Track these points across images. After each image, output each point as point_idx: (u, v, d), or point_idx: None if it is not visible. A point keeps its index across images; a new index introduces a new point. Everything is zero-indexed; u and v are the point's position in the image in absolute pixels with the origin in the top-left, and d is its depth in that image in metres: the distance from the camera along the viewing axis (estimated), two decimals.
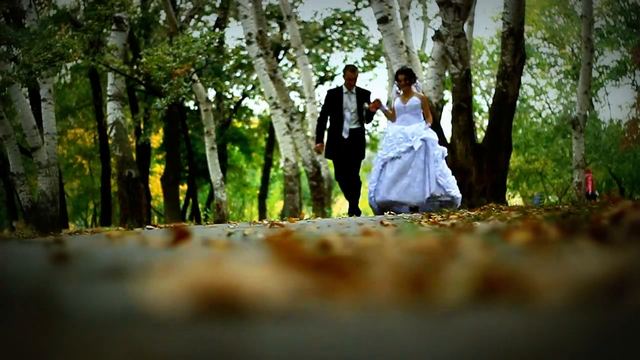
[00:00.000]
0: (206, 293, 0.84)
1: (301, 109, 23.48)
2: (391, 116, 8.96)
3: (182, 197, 26.19)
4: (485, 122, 26.04)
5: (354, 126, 8.91)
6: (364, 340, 0.68)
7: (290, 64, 25.12)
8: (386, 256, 1.18)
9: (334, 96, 9.01)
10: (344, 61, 24.87)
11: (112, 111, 15.24)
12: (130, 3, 14.82)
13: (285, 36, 23.34)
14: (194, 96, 17.74)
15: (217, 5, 24.46)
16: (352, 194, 9.02)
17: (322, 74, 25.67)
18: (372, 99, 8.89)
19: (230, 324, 0.77)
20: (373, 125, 26.26)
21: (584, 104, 16.20)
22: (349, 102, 8.92)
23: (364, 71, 25.37)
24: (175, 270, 0.97)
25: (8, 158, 13.02)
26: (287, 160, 16.12)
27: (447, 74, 12.63)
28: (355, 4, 24.12)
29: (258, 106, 49.60)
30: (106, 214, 22.31)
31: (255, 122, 29.57)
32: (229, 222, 9.68)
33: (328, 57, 25.64)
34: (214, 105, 22.27)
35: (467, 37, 11.71)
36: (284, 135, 15.57)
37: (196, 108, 22.63)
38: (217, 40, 15.19)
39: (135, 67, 14.78)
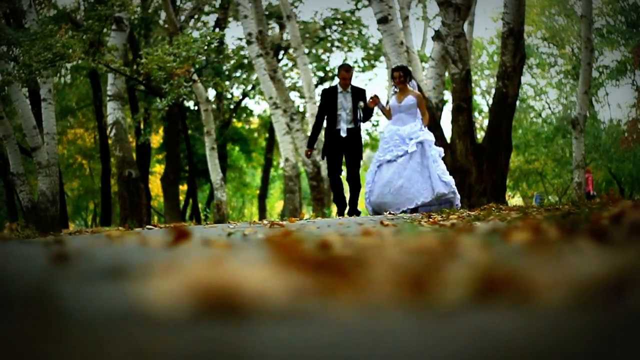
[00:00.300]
0: (206, 293, 0.84)
1: (301, 109, 23.48)
2: (388, 114, 8.92)
3: (182, 197, 26.19)
4: (485, 122, 26.04)
5: (351, 125, 8.81)
6: (364, 340, 0.68)
7: (290, 64, 25.12)
8: (386, 256, 1.18)
9: (329, 96, 8.90)
10: (344, 61, 24.88)
11: (112, 111, 15.24)
12: (130, 3, 14.83)
13: (285, 36, 23.34)
14: (194, 96, 17.73)
15: (217, 5, 24.45)
16: (352, 194, 8.97)
17: (322, 74, 25.67)
18: (368, 97, 8.77)
19: (230, 324, 0.77)
20: (373, 125, 26.29)
21: (584, 104, 16.21)
22: (345, 102, 8.81)
23: (363, 71, 25.37)
24: (175, 270, 0.97)
25: (8, 158, 13.02)
26: (287, 160, 16.13)
27: (447, 74, 12.64)
28: (355, 4, 24.12)
29: (258, 106, 49.64)
30: (106, 214, 22.31)
31: (255, 122, 29.58)
32: (229, 222, 9.68)
33: (328, 57, 25.63)
34: (214, 105, 22.27)
35: (467, 37, 11.71)
36: (284, 135, 15.57)
37: (196, 108, 22.63)
38: (217, 40, 15.17)
39: (135, 67, 14.78)
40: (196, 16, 24.60)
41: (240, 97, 26.45)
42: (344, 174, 9.03)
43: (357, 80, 37.71)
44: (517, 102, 16.27)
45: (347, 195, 9.11)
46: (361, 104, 8.76)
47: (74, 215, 32.97)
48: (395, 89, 8.92)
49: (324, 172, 17.62)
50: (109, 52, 14.21)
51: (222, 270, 0.90)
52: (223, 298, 0.83)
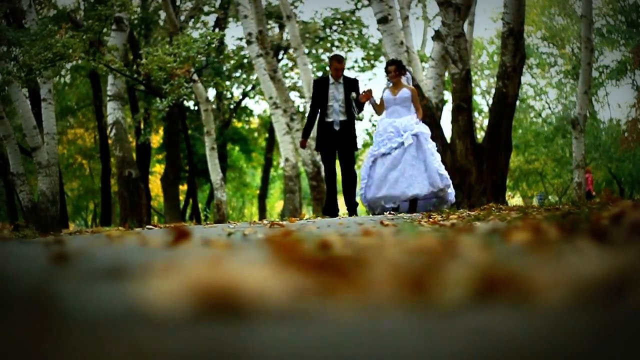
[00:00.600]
0: (206, 293, 0.84)
1: (301, 109, 23.47)
2: (379, 109, 8.82)
3: (182, 197, 26.19)
4: (485, 122, 26.03)
5: (344, 117, 8.63)
6: (364, 340, 0.68)
7: (290, 64, 25.11)
8: (386, 256, 1.18)
9: (321, 87, 8.73)
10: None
11: (112, 111, 15.25)
12: (130, 3, 14.82)
13: (285, 36, 23.34)
14: (194, 96, 17.73)
15: (217, 5, 24.45)
16: (348, 190, 8.72)
17: (321, 74, 25.67)
18: (361, 90, 8.59)
19: (230, 324, 0.77)
20: (373, 125, 26.27)
21: (583, 104, 16.20)
22: (337, 93, 8.64)
23: (363, 71, 25.38)
24: (175, 270, 0.97)
25: (8, 158, 13.01)
26: (287, 160, 16.12)
27: (447, 74, 12.63)
28: (355, 4, 24.12)
29: (258, 106, 49.67)
30: (106, 214, 22.31)
31: (255, 122, 29.58)
32: (229, 222, 9.67)
33: (328, 57, 25.63)
34: (214, 105, 22.27)
35: (467, 37, 11.71)
36: (284, 135, 15.57)
37: (196, 108, 22.62)
38: (217, 40, 15.17)
39: (135, 67, 14.78)
40: (196, 16, 24.60)
41: (240, 97, 26.45)
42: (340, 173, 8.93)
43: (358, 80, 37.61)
44: (517, 102, 16.28)
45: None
46: (353, 94, 8.60)
47: (74, 215, 32.98)
48: (389, 83, 8.86)
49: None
50: (109, 52, 14.21)
51: (222, 270, 0.90)
52: (223, 298, 0.83)
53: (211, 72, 20.09)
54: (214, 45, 14.74)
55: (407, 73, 9.03)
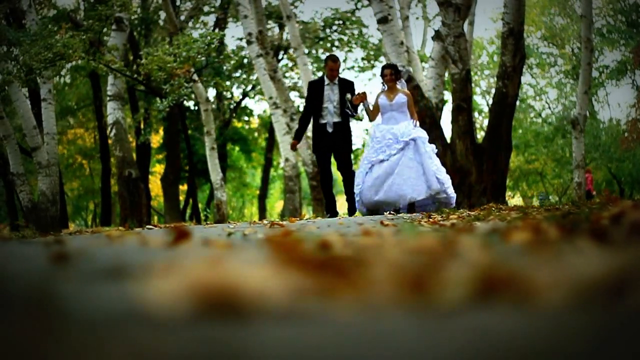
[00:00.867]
0: (206, 293, 0.84)
1: (301, 109, 23.47)
2: (372, 114, 8.76)
3: (182, 197, 26.19)
4: (485, 122, 26.04)
5: (338, 119, 8.52)
6: (364, 340, 0.68)
7: (290, 64, 25.11)
8: (386, 256, 1.18)
9: (316, 88, 8.65)
10: (344, 61, 24.87)
11: (112, 111, 15.25)
12: (130, 3, 14.82)
13: (285, 36, 23.34)
14: (194, 96, 17.74)
15: (217, 5, 24.46)
16: (347, 192, 8.72)
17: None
18: (357, 91, 8.52)
19: (230, 324, 0.77)
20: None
21: (583, 104, 16.20)
22: (332, 94, 8.53)
23: (363, 71, 25.38)
24: (175, 271, 0.97)
25: (8, 158, 13.01)
26: (287, 160, 16.13)
27: (447, 74, 12.63)
28: (355, 4, 24.12)
29: (258, 106, 49.69)
30: (106, 214, 22.31)
31: (255, 122, 29.59)
32: (229, 222, 9.67)
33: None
34: (214, 105, 22.28)
35: (467, 37, 11.71)
36: (284, 135, 15.56)
37: (196, 108, 22.63)
38: (217, 40, 15.17)
39: (135, 67, 14.79)
40: (196, 16, 24.60)
41: (240, 97, 26.45)
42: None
43: (357, 80, 37.72)
44: (517, 102, 16.28)
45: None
46: (348, 96, 8.51)
47: (74, 215, 32.98)
48: (384, 87, 8.83)
49: None
50: (109, 52, 14.21)
51: (222, 270, 0.90)
52: (223, 298, 0.83)
53: (211, 72, 20.10)
54: (214, 45, 14.74)
55: (402, 79, 9.01)
